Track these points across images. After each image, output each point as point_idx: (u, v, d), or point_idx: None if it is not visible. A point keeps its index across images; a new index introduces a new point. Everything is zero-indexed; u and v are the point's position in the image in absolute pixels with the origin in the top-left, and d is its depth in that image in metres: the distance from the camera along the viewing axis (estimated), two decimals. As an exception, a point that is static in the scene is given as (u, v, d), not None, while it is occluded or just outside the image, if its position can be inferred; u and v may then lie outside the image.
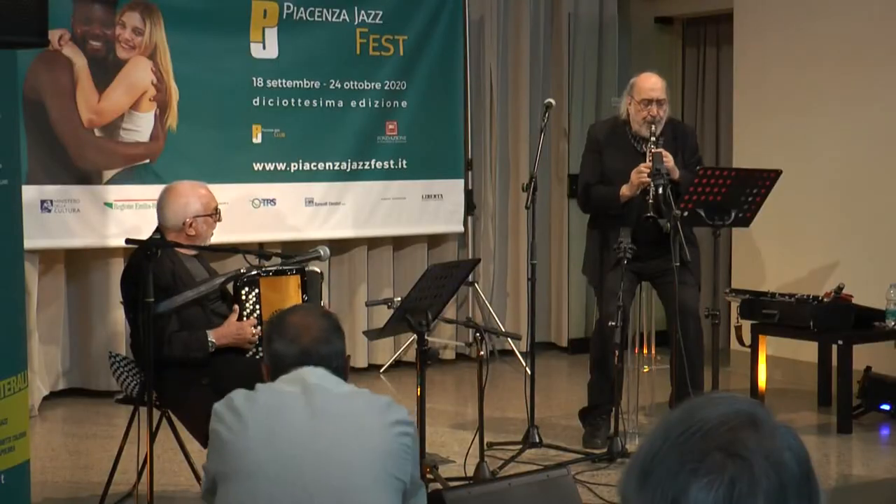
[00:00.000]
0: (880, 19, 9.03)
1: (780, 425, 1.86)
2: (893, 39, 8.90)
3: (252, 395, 3.58)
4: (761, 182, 7.19)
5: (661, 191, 7.05)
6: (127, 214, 8.02)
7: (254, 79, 9.14)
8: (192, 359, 5.83)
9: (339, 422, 3.54)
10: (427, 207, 9.88)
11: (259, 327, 5.93)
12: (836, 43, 9.35)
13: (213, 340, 5.87)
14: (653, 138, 7.22)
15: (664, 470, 1.79)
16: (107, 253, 8.38)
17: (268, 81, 9.19)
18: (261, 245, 7.87)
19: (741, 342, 8.72)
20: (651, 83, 7.50)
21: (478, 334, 7.21)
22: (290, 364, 3.63)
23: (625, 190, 7.30)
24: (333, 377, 3.64)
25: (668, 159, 7.07)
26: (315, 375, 3.58)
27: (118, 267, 7.14)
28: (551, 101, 8.12)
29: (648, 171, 7.15)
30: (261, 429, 3.48)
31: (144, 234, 6.26)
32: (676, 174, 7.10)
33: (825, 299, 8.33)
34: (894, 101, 8.95)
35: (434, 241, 10.04)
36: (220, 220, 6.33)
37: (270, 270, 6.11)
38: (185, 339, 5.86)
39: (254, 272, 6.05)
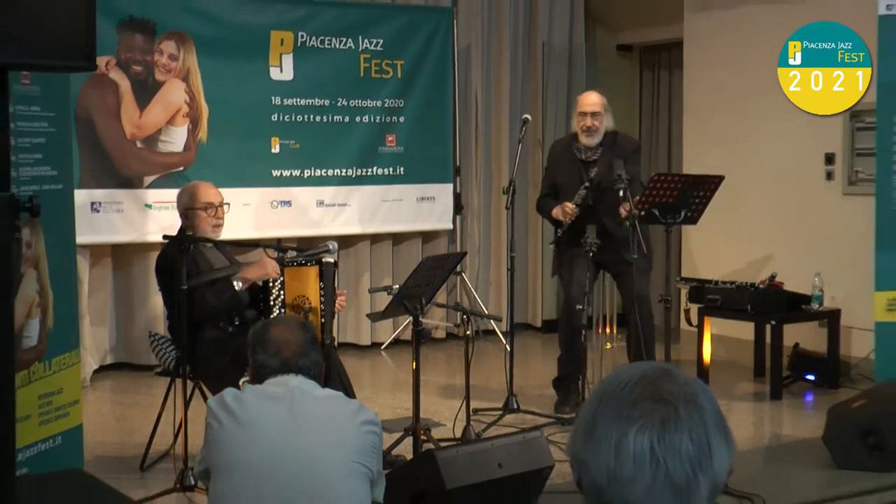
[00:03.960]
0: (764, 65, 9.12)
1: (691, 377, 1.96)
2: (771, 83, 9.01)
3: (241, 395, 3.66)
4: (707, 186, 7.23)
5: (621, 194, 7.11)
6: (164, 214, 8.05)
7: (272, 98, 9.19)
8: (225, 302, 5.93)
9: (317, 421, 3.62)
10: (421, 208, 9.93)
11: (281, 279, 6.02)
12: (768, 68, 9.41)
13: (239, 282, 5.96)
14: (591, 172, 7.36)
15: (605, 422, 1.88)
16: (147, 247, 8.41)
17: (284, 100, 9.24)
18: (279, 240, 7.92)
19: (689, 323, 8.81)
20: (588, 99, 7.63)
21: (464, 316, 7.26)
22: (271, 373, 3.73)
23: (556, 213, 7.51)
24: (311, 382, 3.74)
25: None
26: (297, 380, 3.68)
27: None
28: (528, 116, 8.20)
29: (571, 213, 7.35)
30: (248, 426, 3.57)
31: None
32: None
33: (760, 286, 8.42)
34: (815, 120, 9.02)
35: (427, 236, 10.09)
36: (219, 215, 6.29)
37: (294, 261, 6.16)
38: (214, 290, 5.92)
39: (275, 261, 6.12)
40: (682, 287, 8.89)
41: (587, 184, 7.34)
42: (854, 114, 8.81)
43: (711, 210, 7.37)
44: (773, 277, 8.47)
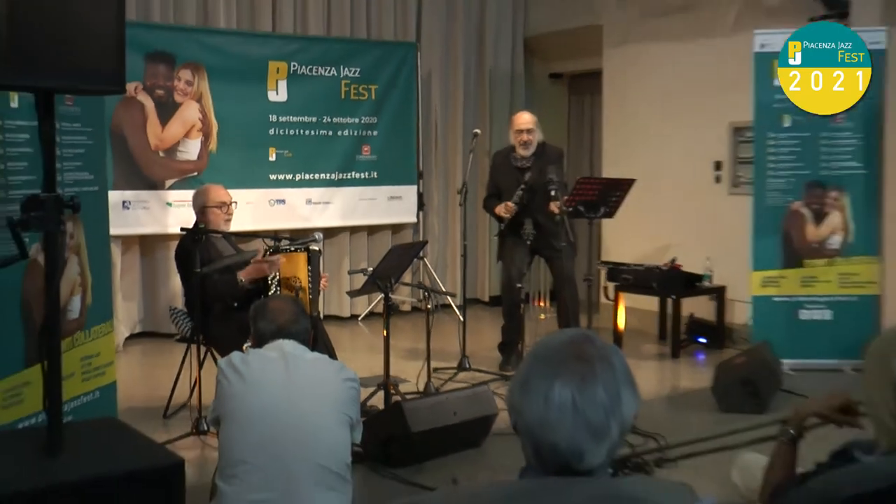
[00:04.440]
0: (698, 80, 9.16)
1: (606, 342, 1.99)
2: (707, 94, 9.04)
3: (246, 357, 3.70)
4: (621, 188, 7.30)
5: (552, 193, 7.15)
6: (181, 211, 8.02)
7: (270, 115, 9.21)
8: (230, 294, 5.94)
9: (307, 378, 3.66)
10: (391, 205, 9.95)
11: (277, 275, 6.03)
12: (672, 93, 9.46)
13: (242, 278, 5.95)
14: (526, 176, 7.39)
15: (537, 378, 1.90)
16: (168, 238, 8.40)
17: (279, 117, 9.25)
18: (275, 231, 7.90)
19: (607, 297, 8.90)
20: (522, 118, 7.67)
21: (426, 293, 7.30)
22: (269, 337, 3.77)
23: (500, 210, 7.50)
24: (302, 346, 3.77)
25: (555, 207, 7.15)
26: (289, 345, 3.70)
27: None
28: (478, 131, 8.27)
29: (512, 210, 7.39)
30: (251, 383, 3.60)
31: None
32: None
33: (663, 268, 8.50)
34: (708, 135, 9.08)
35: (396, 228, 10.09)
36: (229, 212, 6.33)
37: (287, 248, 6.16)
38: (222, 283, 5.93)
39: (272, 249, 6.12)
40: (602, 269, 8.94)
41: (523, 186, 7.37)
42: (737, 129, 8.87)
43: (625, 207, 7.43)
44: (673, 261, 8.54)
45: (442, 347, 7.50)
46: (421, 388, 6.71)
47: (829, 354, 7.57)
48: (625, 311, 8.57)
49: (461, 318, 7.75)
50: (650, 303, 8.82)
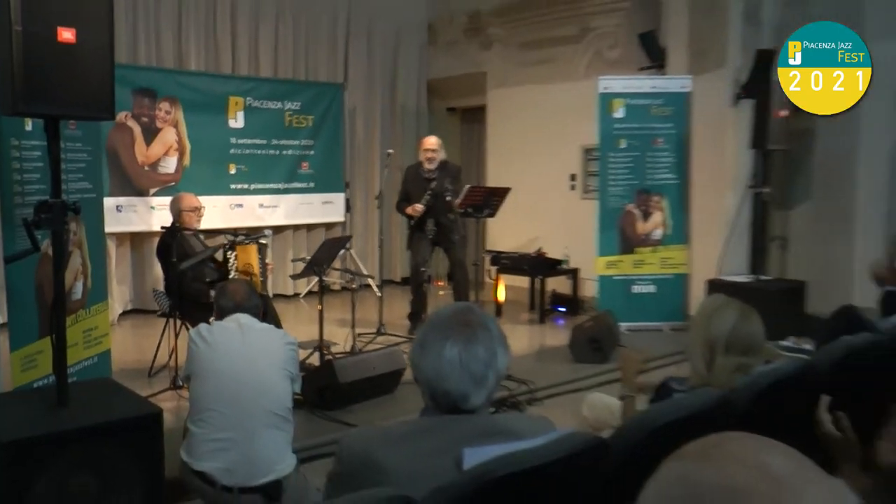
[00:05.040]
0: (558, 113, 9.26)
1: (486, 313, 2.03)
2: (565, 123, 9.16)
3: (211, 328, 3.68)
4: (500, 194, 7.31)
5: (447, 198, 7.20)
6: (163, 213, 7.86)
7: (230, 139, 9.07)
8: (197, 296, 5.83)
9: (259, 343, 3.65)
10: (325, 208, 9.86)
11: (234, 254, 5.97)
12: (539, 122, 9.56)
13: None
14: (432, 185, 7.41)
15: (432, 340, 1.94)
16: (152, 235, 8.21)
17: (238, 140, 9.12)
18: (235, 229, 7.78)
19: (490, 278, 8.95)
20: (429, 141, 7.69)
21: (351, 276, 7.27)
22: (229, 312, 3.75)
23: (410, 211, 7.51)
24: (254, 319, 3.77)
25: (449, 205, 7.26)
26: (244, 318, 3.70)
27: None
28: (391, 151, 8.24)
29: (420, 211, 7.41)
30: (215, 347, 3.59)
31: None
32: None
33: (533, 255, 8.59)
34: (566, 154, 9.20)
35: (329, 226, 10.00)
36: (200, 214, 6.24)
37: (242, 241, 6.09)
38: (194, 290, 5.85)
39: (230, 243, 6.05)
40: (486, 256, 9.01)
41: (430, 192, 7.39)
42: (586, 150, 9.01)
43: (504, 208, 7.49)
44: (539, 249, 8.65)
45: (364, 317, 7.49)
46: (348, 349, 6.69)
47: (654, 318, 7.75)
48: (504, 288, 8.66)
49: (379, 295, 7.76)
50: (523, 281, 8.89)
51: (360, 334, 7.05)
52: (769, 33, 8.29)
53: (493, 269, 8.86)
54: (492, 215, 7.48)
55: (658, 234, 8.03)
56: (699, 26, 8.12)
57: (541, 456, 1.84)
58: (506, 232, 9.69)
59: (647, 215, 8.00)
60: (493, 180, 9.75)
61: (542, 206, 9.39)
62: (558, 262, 8.61)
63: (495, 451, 1.80)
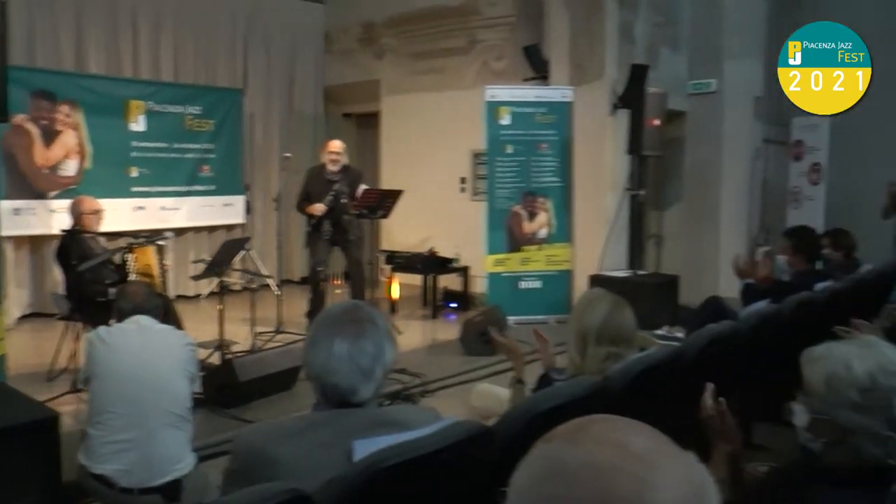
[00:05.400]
0: (448, 119, 9.30)
1: (374, 309, 2.02)
2: (454, 129, 9.20)
3: (110, 329, 3.57)
4: (394, 196, 7.34)
5: (342, 200, 7.16)
6: (62, 216, 7.54)
7: (131, 142, 8.74)
8: (95, 296, 5.59)
9: (158, 344, 3.55)
10: (225, 210, 9.64)
11: (135, 265, 5.76)
12: (430, 128, 9.59)
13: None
14: (335, 186, 7.31)
15: (322, 336, 1.92)
16: (52, 238, 7.85)
17: (139, 143, 8.81)
18: (135, 232, 7.54)
19: (385, 276, 8.90)
20: (334, 144, 7.60)
21: (251, 276, 7.14)
22: (128, 314, 3.62)
23: (312, 210, 7.38)
24: (154, 320, 3.64)
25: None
26: (144, 319, 3.58)
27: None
28: (288, 155, 8.15)
29: (322, 211, 7.28)
30: (114, 349, 3.47)
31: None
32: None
33: (425, 254, 8.61)
34: (456, 158, 9.26)
35: (229, 228, 9.77)
36: (102, 218, 6.01)
37: (139, 244, 5.89)
38: (91, 291, 5.62)
39: (128, 245, 5.85)
40: (381, 255, 8.98)
41: (333, 193, 7.31)
42: (475, 154, 9.08)
43: (397, 210, 7.49)
44: (431, 249, 8.67)
45: (264, 316, 7.35)
46: (248, 347, 6.57)
47: (540, 312, 7.84)
48: (398, 285, 8.65)
49: (278, 294, 7.64)
50: (416, 279, 8.88)
51: (259, 333, 6.92)
52: (642, 49, 8.56)
53: (388, 267, 8.84)
54: (385, 216, 7.48)
55: (543, 233, 8.15)
56: (579, 42, 8.30)
57: (428, 445, 1.85)
58: (399, 232, 9.69)
59: (532, 216, 8.12)
60: (387, 183, 9.73)
61: (434, 207, 9.41)
62: (449, 260, 8.66)
63: (384, 442, 1.80)
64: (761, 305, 4.49)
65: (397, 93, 10.19)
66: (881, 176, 8.57)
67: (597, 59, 8.20)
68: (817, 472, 1.94)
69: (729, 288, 8.03)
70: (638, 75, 7.72)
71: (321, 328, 1.92)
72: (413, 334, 7.48)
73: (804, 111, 10.19)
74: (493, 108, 7.97)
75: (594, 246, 8.12)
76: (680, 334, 6.04)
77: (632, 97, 7.71)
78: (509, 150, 8.04)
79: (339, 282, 9.39)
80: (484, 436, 2.06)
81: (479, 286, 8.53)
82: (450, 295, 8.68)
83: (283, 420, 1.96)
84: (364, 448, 1.78)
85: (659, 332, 6.42)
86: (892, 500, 1.78)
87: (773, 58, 9.89)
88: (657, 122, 7.72)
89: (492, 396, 3.71)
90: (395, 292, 8.57)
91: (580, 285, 7.84)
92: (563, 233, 8.19)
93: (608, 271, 7.90)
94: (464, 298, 8.61)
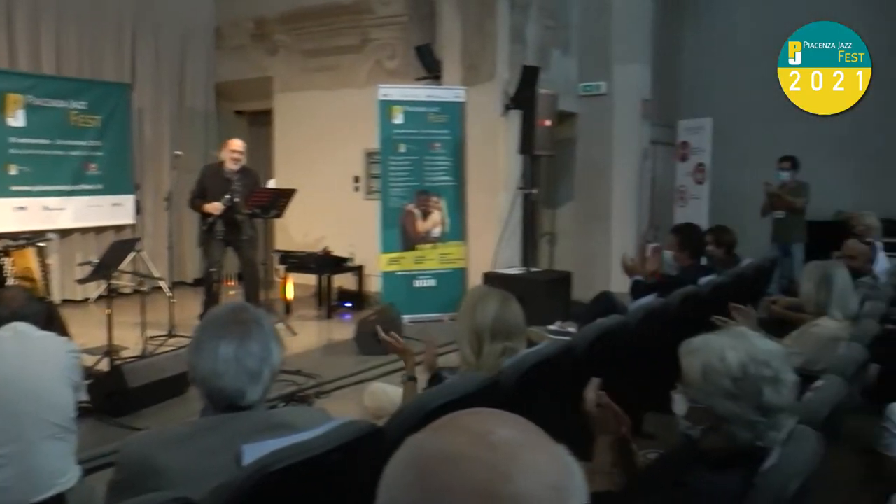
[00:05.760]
0: (341, 118, 9.26)
1: (259, 310, 2.00)
2: (348, 128, 9.16)
3: None
4: (287, 195, 7.27)
5: (236, 199, 7.04)
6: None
7: (9, 138, 8.31)
8: None
9: (38, 352, 3.36)
10: (114, 210, 9.31)
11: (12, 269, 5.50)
12: (324, 126, 9.53)
13: None
14: (234, 186, 7.19)
15: (207, 339, 1.89)
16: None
17: (19, 139, 8.39)
18: (16, 233, 7.24)
19: (279, 276, 8.79)
20: (235, 143, 7.50)
21: (141, 278, 6.94)
22: (5, 321, 3.42)
23: (209, 209, 7.23)
24: (33, 327, 3.45)
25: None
26: (22, 326, 3.40)
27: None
28: (179, 153, 7.95)
29: (220, 209, 7.15)
30: None
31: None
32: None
33: (319, 253, 8.55)
34: (349, 157, 9.23)
35: (118, 228, 9.44)
36: None
37: (18, 245, 5.65)
38: None
39: (4, 248, 5.60)
40: (275, 255, 8.88)
41: (231, 193, 7.17)
42: (368, 153, 9.07)
43: (291, 209, 7.42)
44: (325, 248, 8.62)
45: (156, 320, 7.16)
46: (139, 352, 6.36)
47: (435, 310, 7.90)
48: (292, 286, 8.55)
49: (170, 296, 7.45)
50: (310, 279, 8.80)
51: (151, 337, 6.73)
52: (533, 52, 8.72)
53: (282, 268, 8.75)
54: (279, 216, 7.39)
55: (437, 231, 8.20)
56: (471, 43, 8.38)
57: (317, 446, 1.85)
58: (293, 232, 9.60)
59: (426, 214, 8.16)
60: (280, 182, 9.57)
61: (328, 206, 9.35)
62: (344, 259, 8.62)
63: (274, 445, 1.79)
64: (649, 299, 4.63)
65: (290, 90, 10.08)
66: (760, 176, 8.98)
67: (488, 60, 8.30)
68: (696, 456, 2.04)
69: (620, 283, 8.26)
70: (529, 77, 7.84)
71: (205, 331, 1.89)
72: (308, 335, 7.41)
73: (690, 114, 10.68)
74: (386, 107, 7.97)
75: (488, 244, 8.22)
76: (572, 329, 6.17)
77: (523, 98, 7.83)
78: (402, 149, 8.06)
79: (233, 283, 9.22)
80: (374, 435, 2.06)
81: (374, 285, 8.53)
82: (345, 294, 8.64)
83: (169, 427, 1.92)
84: (253, 452, 1.76)
85: (552, 327, 6.54)
86: (761, 478, 1.88)
87: (660, 62, 10.32)
88: (548, 122, 7.87)
89: (384, 396, 3.72)
90: (290, 293, 8.47)
91: (474, 283, 7.90)
92: (457, 231, 8.26)
93: (502, 269, 8.01)
94: (359, 298, 8.59)
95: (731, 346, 2.00)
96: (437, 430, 0.88)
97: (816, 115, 10.57)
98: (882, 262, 6.49)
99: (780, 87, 10.89)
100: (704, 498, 1.85)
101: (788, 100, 10.89)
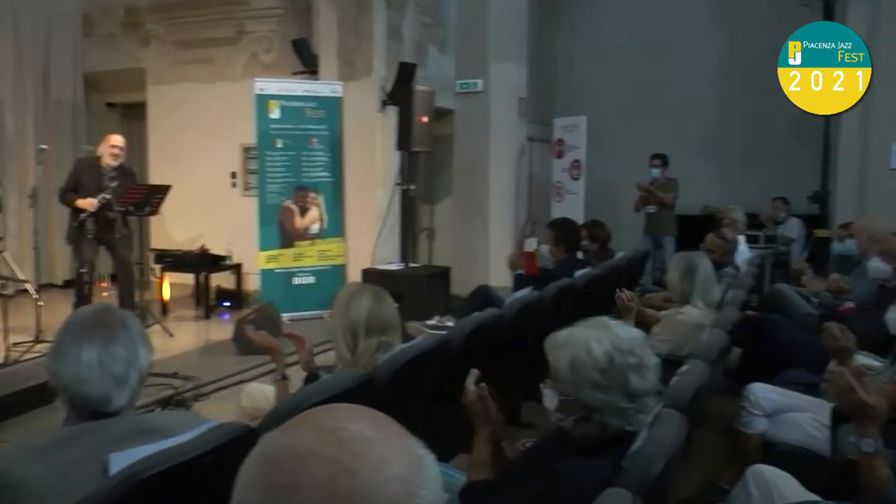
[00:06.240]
0: (217, 112, 9.07)
1: (125, 311, 1.94)
2: (224, 122, 8.98)
3: None
4: (161, 192, 7.07)
5: (107, 197, 6.79)
6: None
7: None
8: None
9: None
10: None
11: None
12: (199, 120, 9.30)
13: None
14: (112, 184, 6.92)
15: (68, 343, 1.82)
16: None
17: None
18: None
19: (155, 276, 8.53)
20: (116, 139, 7.23)
21: (4, 281, 6.62)
22: None
23: (83, 204, 6.96)
24: None
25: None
26: None
27: None
28: (44, 147, 7.56)
29: (93, 206, 6.90)
30: None
31: None
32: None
33: (196, 251, 8.36)
34: (226, 153, 9.05)
35: (-23, 226, 9.00)
36: None
37: None
38: None
39: None
40: (151, 254, 8.63)
41: (108, 190, 6.89)
42: (246, 149, 8.92)
43: (167, 206, 7.23)
44: (203, 246, 8.43)
45: (22, 325, 6.81)
46: (1, 360, 6.02)
47: (314, 307, 7.80)
48: (169, 285, 8.31)
49: (37, 299, 7.08)
50: (188, 278, 8.58)
51: (15, 344, 6.37)
52: (410, 49, 8.77)
53: (158, 267, 8.48)
54: (154, 213, 7.19)
55: (315, 228, 8.14)
56: (347, 38, 8.35)
57: (188, 451, 1.80)
58: (170, 230, 9.35)
59: (304, 211, 8.08)
60: (155, 178, 9.32)
61: (205, 203, 9.14)
62: (222, 257, 8.45)
63: (142, 452, 1.73)
64: (524, 293, 4.73)
65: (164, 82, 9.77)
66: (633, 172, 9.32)
67: (365, 56, 8.28)
68: (567, 444, 2.11)
69: (498, 278, 8.41)
70: (406, 73, 7.87)
71: (67, 335, 1.82)
72: (186, 336, 7.21)
73: (566, 112, 10.98)
74: (263, 101, 7.84)
75: (367, 240, 8.22)
76: (451, 323, 6.23)
77: (400, 94, 7.86)
78: (279, 144, 7.94)
79: (106, 283, 8.88)
80: (247, 436, 2.02)
81: (253, 283, 8.39)
82: (223, 293, 8.46)
83: (28, 439, 1.84)
84: (120, 460, 1.70)
85: (430, 322, 6.59)
86: (628, 461, 1.97)
87: (536, 61, 10.54)
88: (426, 119, 7.92)
89: (262, 396, 3.66)
90: (166, 293, 8.22)
91: (354, 280, 7.89)
92: (336, 228, 8.21)
93: (381, 265, 8.02)
94: (238, 297, 8.43)
95: (595, 338, 2.07)
96: (289, 427, 0.88)
97: (683, 115, 11.15)
98: (743, 254, 6.82)
99: (653, 87, 11.39)
100: (573, 484, 1.91)
101: (658, 99, 11.40)
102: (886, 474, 2.29)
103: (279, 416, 2.28)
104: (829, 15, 8.52)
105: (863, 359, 3.79)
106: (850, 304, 5.31)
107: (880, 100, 7.97)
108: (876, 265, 4.92)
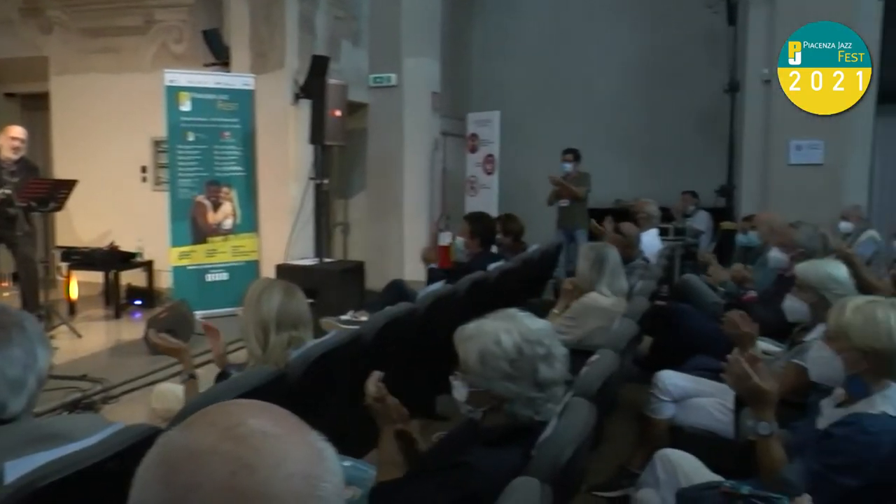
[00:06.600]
0: (126, 104, 8.85)
1: (20, 311, 1.87)
2: (133, 114, 8.75)
3: None
4: (66, 186, 6.82)
5: (7, 191, 6.55)
6: None
7: None
8: None
9: None
10: None
11: None
12: (108, 112, 9.04)
13: None
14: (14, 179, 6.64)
15: None
16: None
17: None
18: None
19: (61, 275, 8.26)
20: (16, 130, 6.94)
21: None
22: None
23: None
24: None
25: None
26: None
27: None
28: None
29: None
30: None
31: None
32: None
33: (105, 248, 8.12)
34: (136, 146, 8.82)
35: None
36: None
37: None
38: None
39: None
40: (57, 252, 8.33)
41: (9, 186, 6.61)
42: (156, 142, 8.71)
43: (73, 201, 6.99)
44: (112, 243, 8.19)
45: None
46: None
47: (228, 304, 7.61)
48: (77, 284, 8.05)
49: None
50: (97, 276, 8.29)
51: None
52: (323, 41, 8.70)
53: (64, 265, 8.19)
54: (59, 209, 6.95)
55: (228, 223, 8.01)
56: (259, 30, 8.23)
57: (91, 456, 1.76)
58: (76, 226, 9.04)
59: (217, 206, 7.94)
60: (60, 172, 8.98)
61: (114, 198, 8.88)
62: (132, 255, 8.21)
63: (42, 459, 1.67)
64: (437, 286, 4.75)
65: (68, 72, 9.43)
66: (546, 167, 9.46)
67: (277, 48, 8.18)
68: (476, 435, 2.13)
69: (413, 272, 8.43)
70: (319, 66, 7.80)
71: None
72: (95, 336, 6.98)
73: (480, 107, 11.05)
74: (173, 93, 7.66)
75: (280, 235, 8.13)
76: (364, 318, 6.21)
77: (313, 87, 7.78)
78: (191, 137, 7.78)
79: (8, 283, 8.56)
80: (154, 439, 1.98)
81: (165, 281, 8.19)
82: (134, 292, 8.21)
83: None
84: (17, 468, 1.63)
85: (344, 317, 6.56)
86: (538, 450, 2.00)
87: (450, 56, 10.58)
88: (339, 112, 7.86)
89: (172, 396, 3.58)
90: (74, 292, 7.96)
91: (268, 275, 7.79)
92: (249, 223, 8.10)
93: (295, 260, 7.94)
94: (149, 295, 8.20)
95: (504, 330, 2.10)
96: (187, 426, 0.87)
97: (595, 111, 11.39)
98: (652, 246, 6.98)
99: (565, 83, 11.58)
100: (483, 475, 1.92)
101: (571, 95, 11.61)
102: (781, 455, 2.38)
103: (188, 415, 2.24)
104: (732, 17, 8.78)
105: (764, 345, 3.93)
106: (753, 293, 5.50)
107: (777, 98, 8.21)
108: (776, 255, 5.13)
